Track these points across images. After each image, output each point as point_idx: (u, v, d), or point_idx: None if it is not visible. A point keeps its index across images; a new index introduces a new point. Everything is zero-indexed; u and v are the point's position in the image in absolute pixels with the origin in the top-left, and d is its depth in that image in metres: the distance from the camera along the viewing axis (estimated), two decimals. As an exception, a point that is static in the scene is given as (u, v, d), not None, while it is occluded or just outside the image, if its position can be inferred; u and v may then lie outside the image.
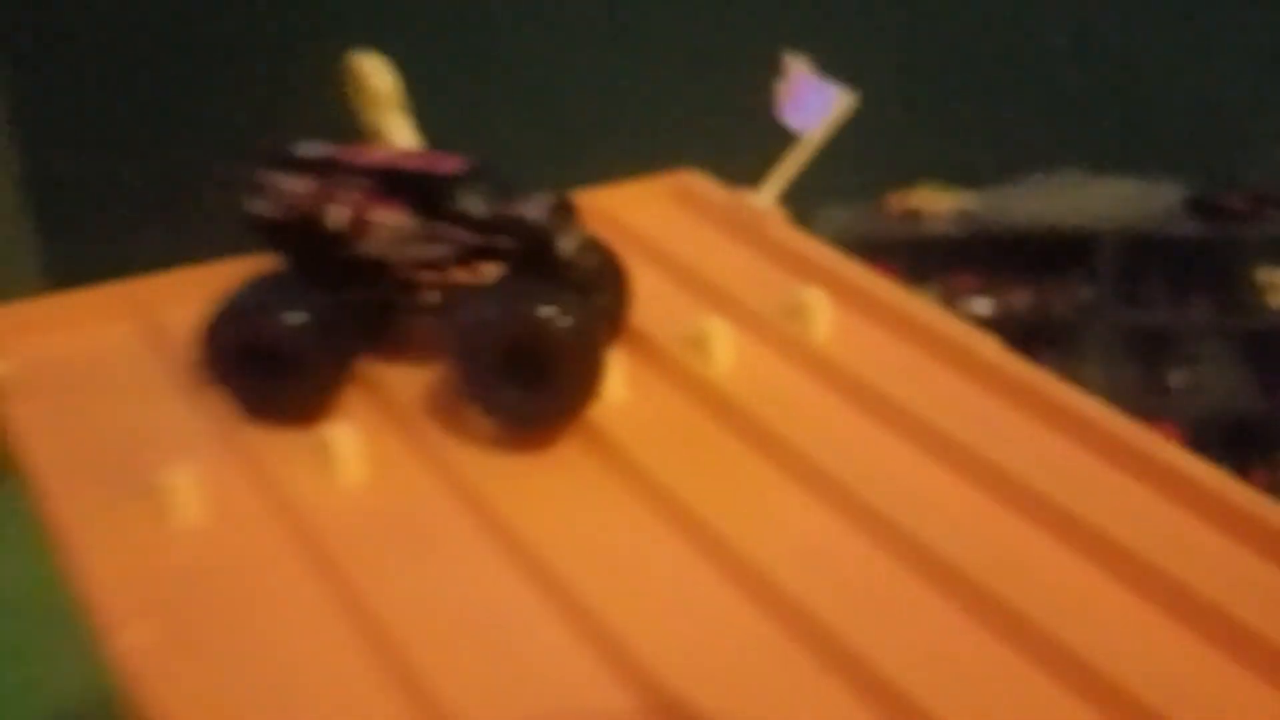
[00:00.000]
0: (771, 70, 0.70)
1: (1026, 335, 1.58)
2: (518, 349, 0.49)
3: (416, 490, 0.48)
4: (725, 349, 0.58)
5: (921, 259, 1.55)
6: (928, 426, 0.53)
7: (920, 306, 0.63)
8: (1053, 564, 0.47)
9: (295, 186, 0.50)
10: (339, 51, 0.56)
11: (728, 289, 0.63)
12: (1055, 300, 1.53)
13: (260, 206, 0.50)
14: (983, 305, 1.55)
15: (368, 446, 0.49)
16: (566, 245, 0.50)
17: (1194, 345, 1.55)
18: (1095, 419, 0.52)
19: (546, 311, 0.48)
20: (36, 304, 0.56)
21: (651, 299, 0.60)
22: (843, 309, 0.62)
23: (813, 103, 0.68)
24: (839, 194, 1.57)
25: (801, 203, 1.52)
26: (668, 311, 0.60)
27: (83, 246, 1.81)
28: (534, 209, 0.50)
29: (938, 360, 0.58)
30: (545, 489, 0.49)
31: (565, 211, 0.51)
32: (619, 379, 0.54)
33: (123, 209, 1.66)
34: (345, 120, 0.56)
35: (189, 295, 0.55)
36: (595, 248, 0.54)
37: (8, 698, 1.53)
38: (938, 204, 1.53)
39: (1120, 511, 0.48)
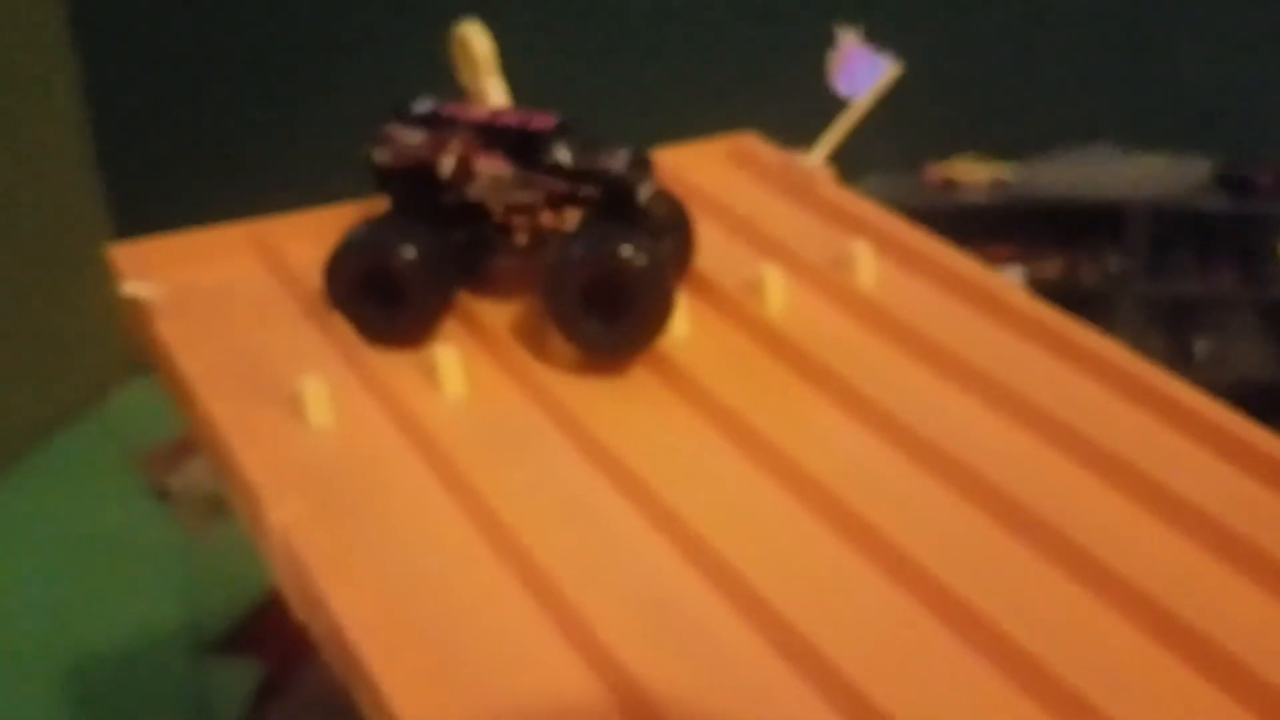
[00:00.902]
0: (825, 41, 0.77)
1: (1057, 303, 1.63)
2: (597, 285, 0.56)
3: (509, 404, 0.56)
4: (778, 293, 0.65)
5: (958, 227, 1.59)
6: (961, 361, 0.59)
7: (956, 258, 0.69)
8: (1070, 478, 0.54)
9: (411, 138, 0.57)
10: (446, 20, 0.62)
11: (781, 240, 0.70)
12: (1085, 270, 1.59)
13: (382, 155, 0.57)
14: (1015, 273, 1.60)
15: (467, 367, 0.56)
16: (642, 194, 0.57)
17: (1219, 316, 1.60)
18: (1108, 355, 0.59)
19: (624, 251, 0.55)
20: (174, 238, 0.63)
21: (713, 248, 0.67)
22: (886, 260, 0.69)
23: (862, 72, 0.74)
24: (881, 163, 1.63)
25: (846, 171, 1.60)
26: (727, 259, 0.67)
27: (148, 202, 1.90)
28: (615, 161, 0.57)
29: (970, 305, 0.65)
30: (620, 406, 0.56)
31: (642, 164, 0.58)
32: (684, 316, 0.61)
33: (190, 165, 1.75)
34: (449, 81, 0.63)
35: (307, 234, 0.63)
36: (666, 198, 0.61)
37: (62, 629, 1.63)
38: (975, 175, 1.59)
39: (1129, 434, 0.55)
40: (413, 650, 0.41)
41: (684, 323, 0.61)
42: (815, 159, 0.76)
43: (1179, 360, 1.61)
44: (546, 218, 0.58)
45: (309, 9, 1.71)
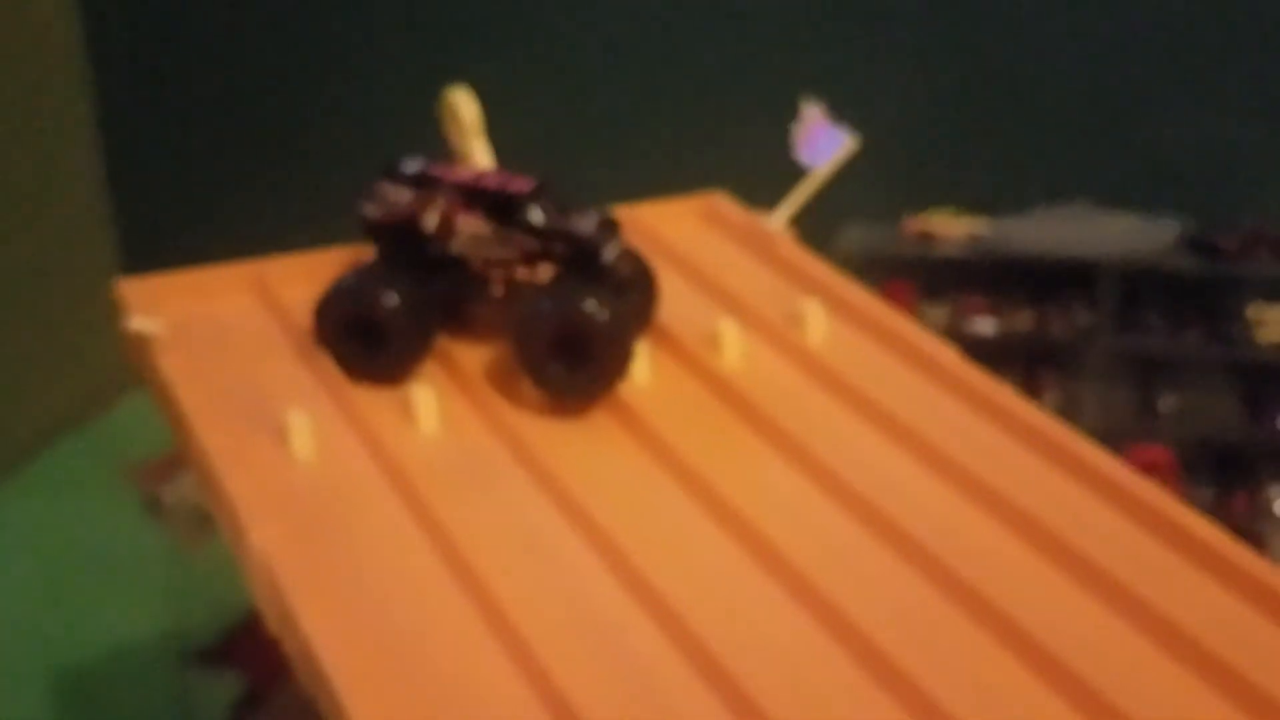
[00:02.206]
0: (791, 112, 0.82)
1: (1028, 355, 1.69)
2: (563, 335, 0.61)
3: (479, 441, 0.61)
4: (734, 346, 0.70)
5: (933, 279, 1.66)
6: (896, 420, 0.64)
7: (898, 320, 0.75)
8: (983, 532, 0.58)
9: (399, 196, 0.62)
10: (440, 82, 0.68)
11: (740, 296, 0.75)
12: (1056, 324, 1.64)
13: (371, 210, 0.62)
14: (987, 325, 1.66)
15: (442, 405, 0.61)
16: (608, 254, 0.62)
17: (1186, 373, 1.66)
18: (1026, 416, 0.64)
19: (589, 306, 0.60)
20: (178, 275, 0.68)
21: (676, 301, 0.72)
22: (836, 318, 0.74)
23: (823, 143, 0.80)
24: (861, 214, 1.69)
25: (827, 220, 1.68)
26: (689, 312, 0.72)
27: (153, 223, 1.96)
28: (584, 224, 0.63)
29: (908, 364, 0.70)
30: (580, 446, 0.61)
31: (609, 226, 0.63)
32: (645, 365, 0.66)
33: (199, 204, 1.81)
34: (439, 137, 0.69)
35: (301, 276, 0.68)
36: (631, 257, 0.66)
37: (50, 639, 1.67)
38: (951, 229, 1.64)
39: (1043, 492, 0.60)
40: (374, 666, 0.46)
41: (644, 371, 0.66)
42: (777, 221, 0.81)
43: (1145, 415, 1.67)
44: (521, 272, 0.63)
45: (317, 65, 1.78)
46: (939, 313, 1.67)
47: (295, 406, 0.58)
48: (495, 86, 0.75)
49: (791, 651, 0.50)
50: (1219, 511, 1.68)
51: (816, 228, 1.63)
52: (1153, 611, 0.52)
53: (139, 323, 0.62)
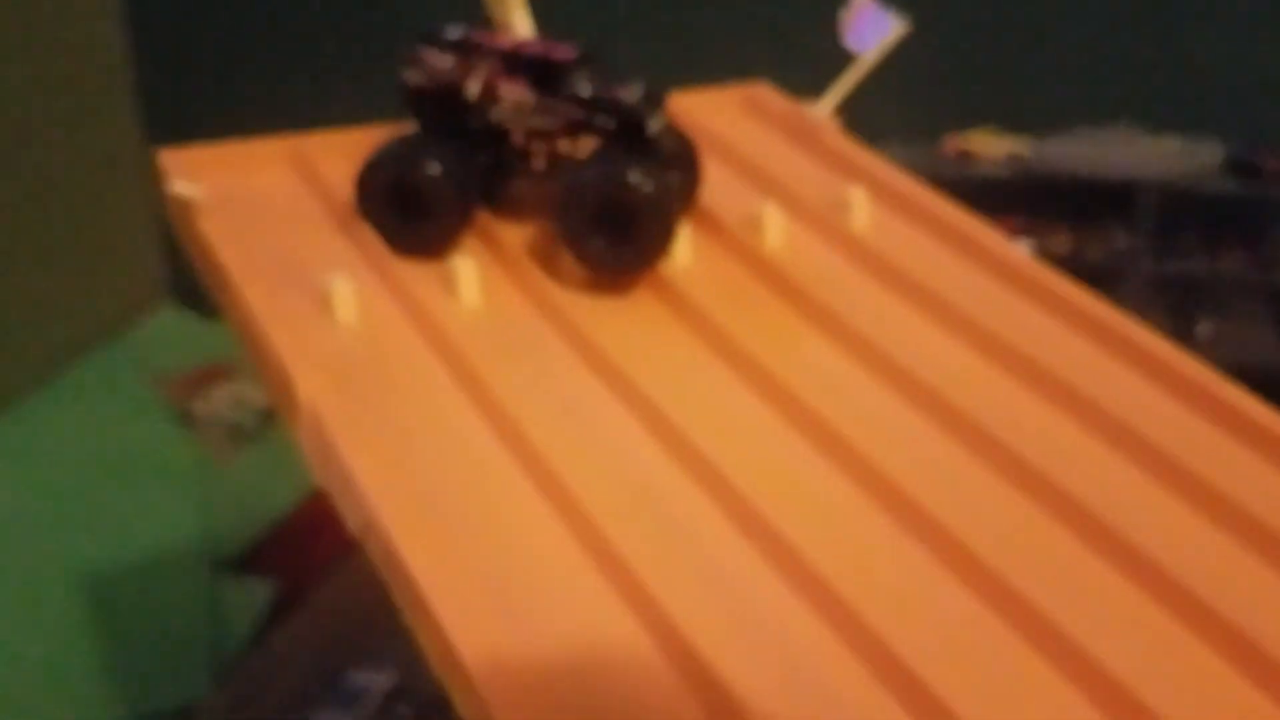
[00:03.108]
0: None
1: (1068, 276, 1.67)
2: (607, 208, 0.60)
3: (520, 314, 0.60)
4: (776, 230, 0.69)
5: (971, 198, 1.64)
6: (943, 302, 0.63)
7: (947, 208, 0.74)
8: (1043, 415, 0.58)
9: (441, 62, 0.61)
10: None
11: (783, 182, 0.74)
12: (1093, 246, 1.62)
13: (412, 76, 0.62)
14: (1024, 245, 1.64)
15: (483, 279, 0.61)
16: (653, 126, 0.61)
17: (1223, 298, 1.64)
18: (1089, 308, 0.63)
19: (633, 178, 0.60)
20: (218, 147, 0.68)
21: (718, 185, 0.71)
22: (882, 206, 0.73)
23: (871, 28, 0.78)
24: (901, 133, 1.66)
25: (863, 138, 1.65)
26: (731, 196, 0.71)
27: (185, 130, 1.95)
28: (629, 94, 0.62)
29: (957, 252, 0.69)
30: (621, 322, 0.61)
31: (654, 99, 0.62)
32: (686, 245, 0.66)
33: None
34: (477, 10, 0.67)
35: (341, 151, 0.67)
36: (676, 133, 0.65)
37: (82, 546, 1.70)
38: (991, 148, 1.62)
39: (1101, 379, 0.59)
40: (422, 511, 0.46)
41: (686, 251, 0.66)
42: (822, 110, 0.80)
43: (1181, 340, 1.64)
44: (563, 144, 0.63)
45: None
46: (975, 233, 1.65)
47: (337, 273, 0.58)
48: None
49: (828, 504, 0.50)
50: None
51: (856, 142, 1.60)
52: (1183, 468, 0.52)
53: (180, 187, 0.61)
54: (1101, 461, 0.55)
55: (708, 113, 0.81)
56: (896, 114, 1.62)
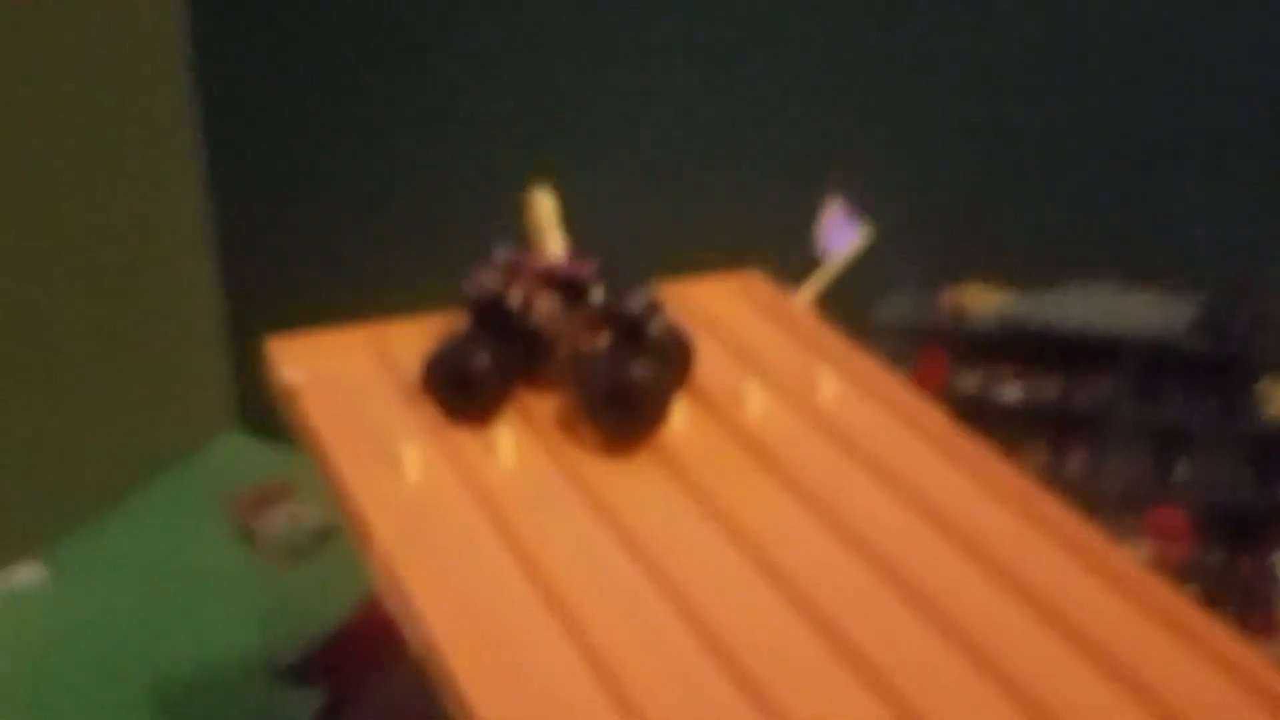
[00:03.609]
0: (817, 205, 0.98)
1: (1055, 422, 1.82)
2: (615, 392, 0.77)
3: (546, 472, 0.77)
4: (756, 403, 0.85)
5: (965, 347, 1.80)
6: (889, 470, 0.79)
7: (899, 385, 0.90)
8: (956, 565, 0.72)
9: (491, 280, 0.79)
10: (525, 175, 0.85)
11: (766, 361, 0.91)
12: (1080, 394, 1.77)
13: (470, 289, 0.79)
14: (1014, 392, 1.79)
15: (518, 444, 0.78)
16: (653, 329, 0.79)
17: (1200, 443, 1.77)
18: (1001, 471, 0.78)
19: (635, 371, 0.77)
20: (313, 337, 0.86)
21: (710, 362, 0.88)
22: (847, 383, 0.89)
23: (843, 233, 0.96)
24: (901, 285, 1.83)
25: (870, 290, 1.86)
26: (721, 372, 0.88)
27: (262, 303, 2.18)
28: (634, 303, 0.79)
29: (905, 425, 0.85)
30: (627, 479, 0.77)
31: (654, 306, 0.80)
32: (682, 416, 0.82)
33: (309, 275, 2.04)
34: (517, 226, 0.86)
35: (409, 337, 0.85)
36: (672, 330, 0.82)
37: (152, 652, 1.85)
38: (983, 302, 1.78)
39: (1018, 546, 0.73)
40: (467, 629, 0.62)
41: (681, 420, 0.82)
42: (801, 298, 0.97)
43: (1162, 480, 1.78)
44: (583, 339, 0.80)
45: (419, 160, 2.01)
46: (971, 379, 1.81)
47: (405, 441, 0.75)
48: (569, 179, 0.92)
49: (772, 627, 0.66)
50: (1227, 572, 1.79)
51: (859, 297, 1.81)
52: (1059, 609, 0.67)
53: (287, 374, 0.79)
54: (998, 604, 0.70)
55: (708, 298, 0.99)
56: (897, 268, 1.80)
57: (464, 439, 0.78)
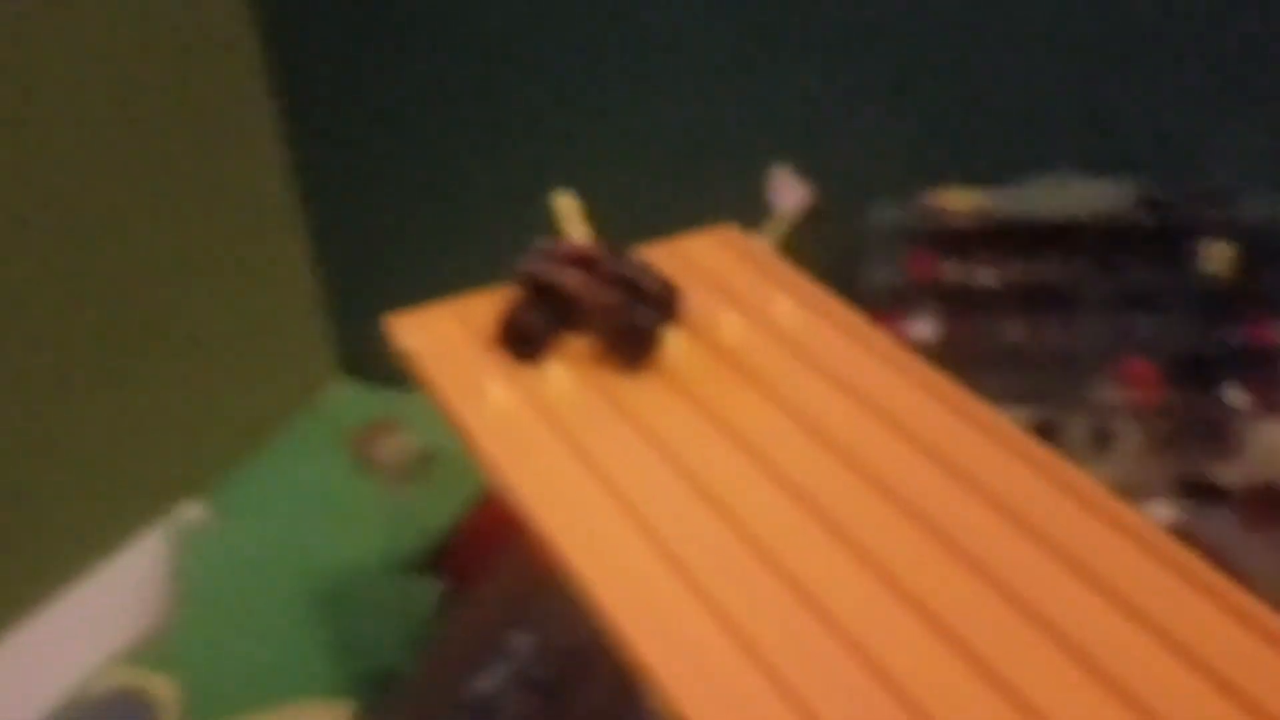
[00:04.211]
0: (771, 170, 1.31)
1: (1028, 299, 2.12)
2: (625, 334, 1.12)
3: (585, 392, 1.12)
4: (734, 331, 1.19)
5: (947, 243, 2.11)
6: (839, 375, 1.12)
7: (845, 309, 1.23)
8: (891, 444, 1.04)
9: (537, 263, 1.14)
10: (548, 190, 1.20)
11: (740, 296, 1.24)
12: (1048, 272, 2.07)
13: (522, 269, 1.14)
14: (989, 276, 2.10)
15: (564, 375, 1.13)
16: (645, 283, 1.13)
17: (1155, 302, 2.07)
18: (924, 371, 1.12)
19: (638, 317, 1.11)
20: (416, 312, 1.22)
21: (698, 300, 1.22)
22: (804, 309, 1.22)
23: (789, 194, 1.28)
24: (888, 192, 2.14)
25: (859, 198, 2.24)
26: (706, 307, 1.22)
27: (348, 247, 2.56)
28: (632, 267, 1.13)
29: (854, 342, 1.18)
30: (643, 394, 1.11)
31: (649, 270, 1.14)
32: (677, 341, 1.17)
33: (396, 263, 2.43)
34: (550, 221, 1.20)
35: (484, 308, 1.20)
36: (665, 283, 1.16)
37: (297, 566, 2.26)
38: (960, 201, 2.09)
39: (943, 432, 1.06)
40: (550, 506, 0.98)
41: (677, 346, 1.17)
42: (764, 243, 1.30)
43: (1125, 338, 2.08)
44: (601, 298, 1.15)
45: (477, 168, 2.36)
46: (954, 270, 2.12)
47: (489, 379, 1.11)
48: (585, 180, 1.26)
49: (759, 500, 0.98)
50: (1190, 407, 2.10)
51: (852, 206, 2.18)
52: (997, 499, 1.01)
53: (404, 340, 1.16)
54: (941, 496, 1.03)
55: (694, 249, 1.33)
56: (884, 179, 2.11)
57: (527, 375, 1.14)
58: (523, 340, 1.14)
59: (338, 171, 2.48)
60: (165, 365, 2.28)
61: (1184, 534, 0.84)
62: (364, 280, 2.55)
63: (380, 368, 1.68)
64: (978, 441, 1.00)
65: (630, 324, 1.11)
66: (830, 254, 2.23)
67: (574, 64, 2.21)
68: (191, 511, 2.34)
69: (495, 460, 1.03)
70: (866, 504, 0.94)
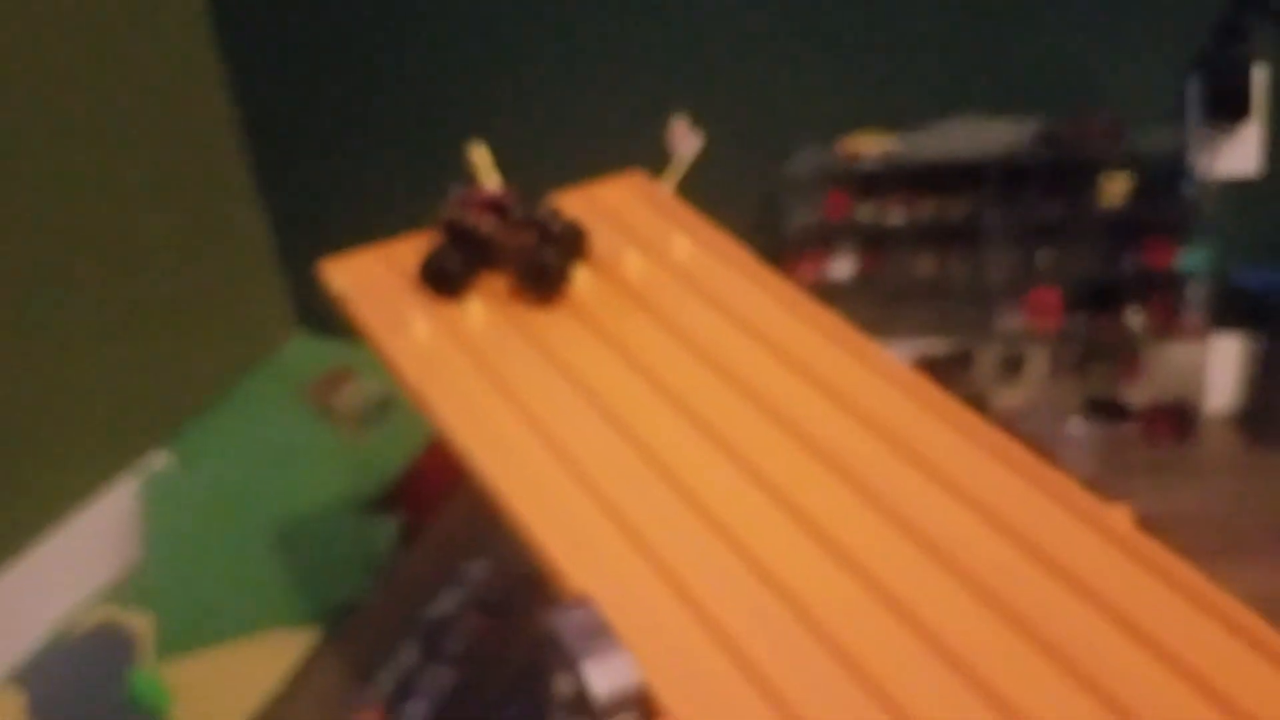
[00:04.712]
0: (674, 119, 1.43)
1: (937, 237, 2.26)
2: (534, 270, 1.25)
3: (502, 327, 1.25)
4: (635, 266, 1.33)
5: (861, 186, 2.25)
6: (731, 308, 1.25)
7: (736, 245, 1.36)
8: (774, 369, 1.20)
9: (454, 210, 1.26)
10: (465, 140, 1.32)
11: (642, 233, 1.38)
12: (955, 209, 2.21)
13: (442, 215, 1.27)
14: (899, 215, 2.24)
15: (482, 312, 1.26)
16: (553, 225, 1.26)
17: (1056, 234, 2.22)
18: (794, 293, 1.26)
19: (549, 257, 1.24)
20: (349, 256, 1.34)
21: (604, 240, 1.35)
22: (700, 247, 1.36)
23: (686, 141, 1.41)
24: (806, 141, 2.27)
25: (780, 148, 2.39)
26: (611, 245, 1.35)
27: (300, 203, 2.67)
28: (541, 211, 1.26)
29: (742, 274, 1.31)
30: (554, 326, 1.25)
31: (554, 208, 1.27)
32: (584, 278, 1.30)
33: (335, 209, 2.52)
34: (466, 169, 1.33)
35: (409, 251, 1.33)
36: (571, 225, 1.29)
37: (261, 508, 2.39)
38: (872, 146, 2.22)
39: (785, 329, 1.22)
40: (470, 430, 1.11)
41: (584, 281, 1.30)
42: (665, 187, 1.43)
43: (1029, 269, 2.23)
44: (516, 238, 1.27)
45: (401, 118, 2.46)
46: (867, 210, 2.25)
47: (414, 314, 1.24)
48: (502, 134, 1.39)
49: (651, 417, 1.13)
50: (1094, 330, 2.25)
51: (774, 156, 2.32)
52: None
53: (336, 282, 1.28)
54: (809, 408, 1.18)
55: (603, 193, 1.45)
56: (802, 129, 2.24)
57: (449, 311, 1.27)
58: (442, 279, 1.27)
59: (288, 130, 2.59)
60: (131, 325, 2.40)
61: (1007, 426, 0.98)
62: (318, 236, 2.66)
63: (337, 320, 1.80)
64: (850, 364, 1.13)
65: (540, 263, 1.24)
66: (756, 200, 2.38)
67: (499, 21, 2.33)
68: (158, 460, 2.46)
69: (418, 385, 1.16)
70: (751, 419, 1.08)
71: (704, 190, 1.43)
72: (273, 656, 2.08)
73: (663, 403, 1.12)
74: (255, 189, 2.68)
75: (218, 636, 2.11)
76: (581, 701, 0.82)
